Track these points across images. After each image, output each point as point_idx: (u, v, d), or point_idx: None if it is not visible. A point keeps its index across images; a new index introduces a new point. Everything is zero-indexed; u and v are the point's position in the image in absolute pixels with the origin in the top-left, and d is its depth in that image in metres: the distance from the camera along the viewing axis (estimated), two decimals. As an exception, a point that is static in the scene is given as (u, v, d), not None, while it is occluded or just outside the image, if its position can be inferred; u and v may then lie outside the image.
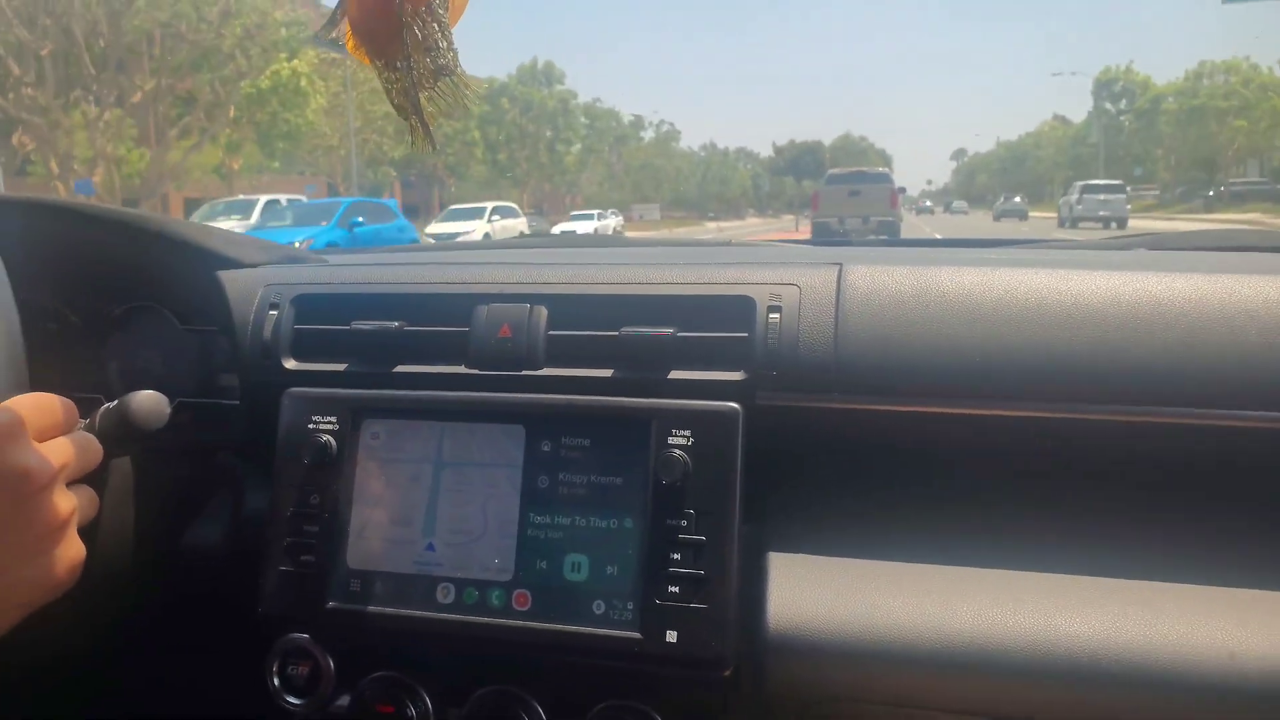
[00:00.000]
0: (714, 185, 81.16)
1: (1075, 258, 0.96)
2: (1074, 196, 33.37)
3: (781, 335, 0.79)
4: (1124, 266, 0.81)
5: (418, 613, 0.76)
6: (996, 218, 46.26)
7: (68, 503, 0.61)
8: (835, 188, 20.99)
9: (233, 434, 0.93)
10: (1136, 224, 30.85)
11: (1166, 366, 0.73)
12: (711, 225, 51.17)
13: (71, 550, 0.62)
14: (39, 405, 0.63)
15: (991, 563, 0.74)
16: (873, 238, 18.39)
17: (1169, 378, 0.73)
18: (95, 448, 0.67)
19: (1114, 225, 30.35)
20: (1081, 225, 31.19)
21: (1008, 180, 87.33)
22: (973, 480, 0.79)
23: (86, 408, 0.71)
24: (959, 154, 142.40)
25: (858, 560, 0.76)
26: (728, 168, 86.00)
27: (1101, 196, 32.05)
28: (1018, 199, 51.88)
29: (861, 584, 0.73)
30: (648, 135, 74.76)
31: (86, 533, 0.64)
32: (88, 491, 0.67)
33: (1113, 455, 0.76)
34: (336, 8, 0.62)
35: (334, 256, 1.10)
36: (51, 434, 0.63)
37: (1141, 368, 0.73)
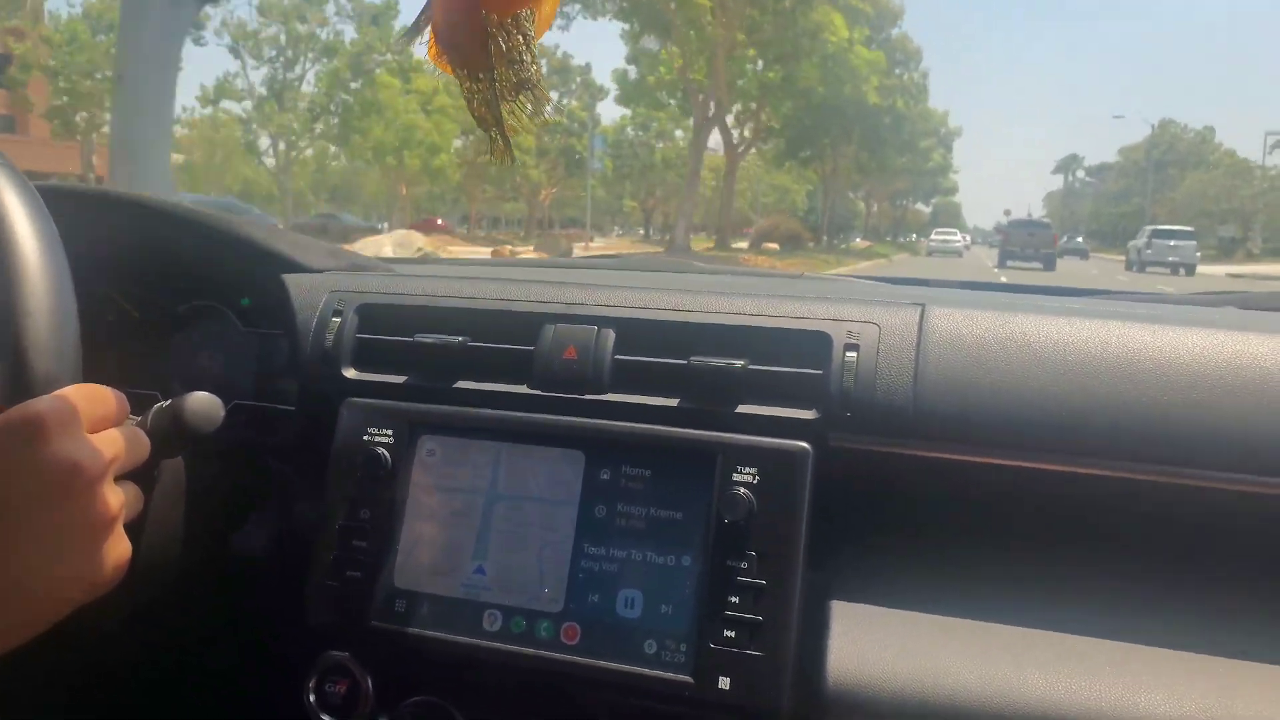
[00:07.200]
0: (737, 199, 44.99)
1: (1163, 313, 0.92)
2: (1142, 240, 33.72)
3: (858, 375, 0.75)
4: (1217, 325, 0.77)
5: (462, 638, 0.74)
6: (1059, 255, 51.43)
7: (116, 498, 0.60)
8: (1017, 230, 34.15)
9: (285, 440, 0.92)
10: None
11: (1269, 432, 0.68)
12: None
13: (119, 547, 0.60)
14: (92, 396, 0.61)
15: (1066, 627, 0.71)
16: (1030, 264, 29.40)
17: (1270, 445, 0.68)
18: (144, 443, 0.66)
19: (1182, 271, 30.80)
20: (1149, 270, 31.76)
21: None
22: (1050, 539, 0.75)
23: (141, 404, 0.69)
24: (1067, 163, 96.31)
25: (925, 614, 0.73)
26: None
27: (1172, 242, 32.32)
28: (1079, 239, 57.01)
29: (929, 640, 0.70)
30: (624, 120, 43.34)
31: (132, 530, 0.63)
32: (134, 488, 0.65)
33: (1198, 522, 0.71)
34: (419, 15, 0.61)
35: (402, 266, 1.09)
36: (102, 426, 0.61)
37: (1238, 432, 0.69)
